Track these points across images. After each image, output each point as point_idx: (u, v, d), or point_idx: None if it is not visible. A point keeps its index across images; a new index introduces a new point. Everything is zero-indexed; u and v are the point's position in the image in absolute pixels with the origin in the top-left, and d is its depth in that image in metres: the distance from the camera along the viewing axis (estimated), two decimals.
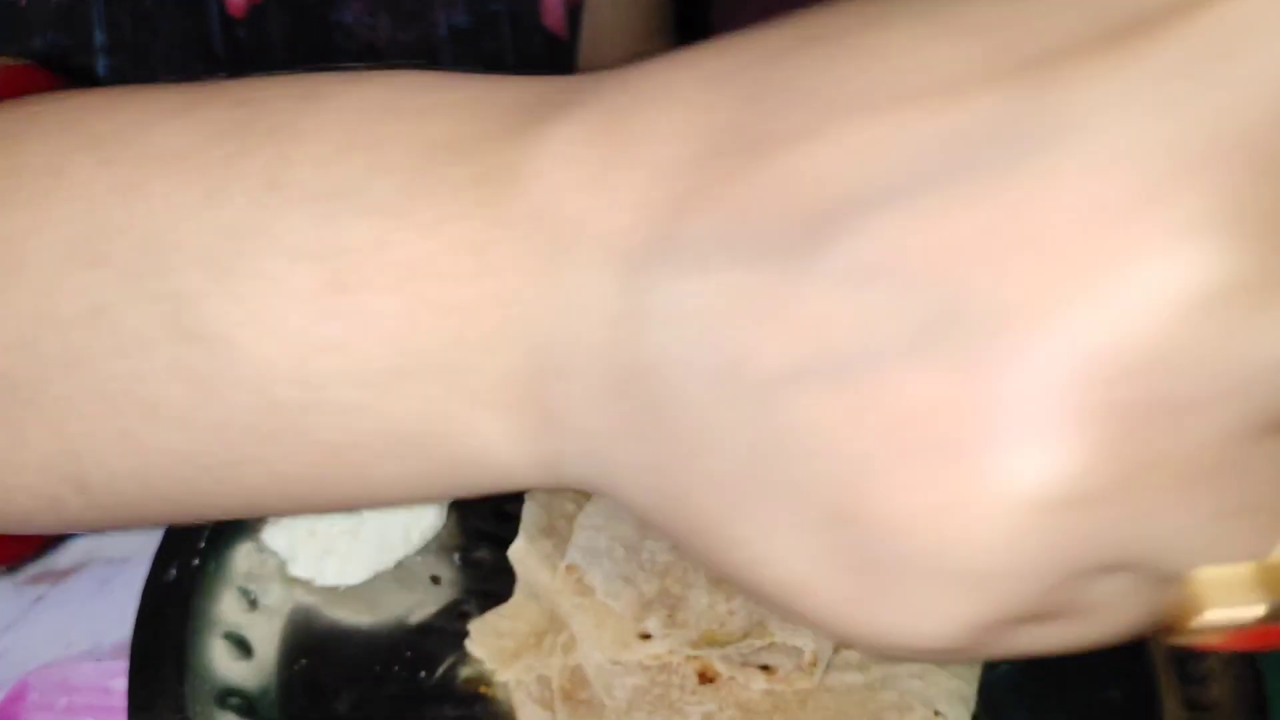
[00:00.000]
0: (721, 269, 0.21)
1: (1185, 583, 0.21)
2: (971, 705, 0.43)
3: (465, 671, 0.44)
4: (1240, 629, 0.22)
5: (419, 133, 0.24)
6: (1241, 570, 0.21)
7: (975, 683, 0.44)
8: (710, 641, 0.42)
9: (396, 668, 0.44)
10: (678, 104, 0.23)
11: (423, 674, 0.44)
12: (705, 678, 0.42)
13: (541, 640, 0.43)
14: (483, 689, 0.43)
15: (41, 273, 0.26)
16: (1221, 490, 0.20)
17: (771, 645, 0.41)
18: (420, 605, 0.45)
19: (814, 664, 0.41)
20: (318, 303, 0.24)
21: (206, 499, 0.28)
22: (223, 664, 0.43)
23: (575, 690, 0.42)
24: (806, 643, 0.41)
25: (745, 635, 0.42)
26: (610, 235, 0.22)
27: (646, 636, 0.42)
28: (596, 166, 0.23)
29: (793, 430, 0.21)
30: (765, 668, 0.42)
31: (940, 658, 0.24)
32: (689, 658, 0.42)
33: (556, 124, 0.24)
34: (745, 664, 0.42)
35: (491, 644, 0.43)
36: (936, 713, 0.42)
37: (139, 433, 0.26)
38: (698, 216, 0.21)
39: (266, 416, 0.25)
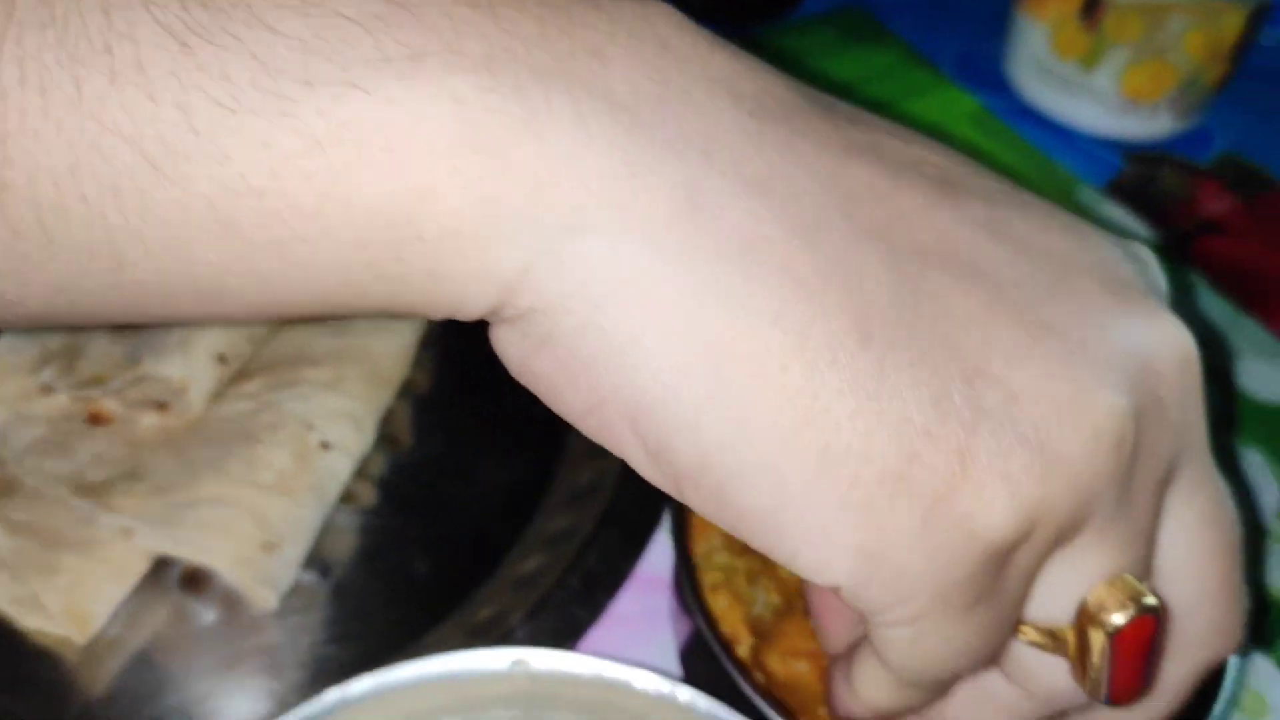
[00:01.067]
0: None
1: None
2: (367, 428, 0.45)
3: None
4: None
5: None
6: None
7: (375, 407, 0.45)
8: (96, 381, 0.44)
9: None
10: None
11: None
12: (98, 419, 0.44)
13: None
14: None
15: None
16: None
17: (144, 379, 0.43)
18: None
19: (184, 389, 0.43)
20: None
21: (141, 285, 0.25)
22: None
23: None
24: (174, 370, 0.43)
25: (121, 370, 0.44)
26: None
27: (48, 389, 0.44)
28: None
29: None
30: (161, 405, 0.44)
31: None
32: (77, 399, 0.44)
33: None
34: (138, 403, 0.44)
35: None
36: (311, 427, 0.43)
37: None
38: None
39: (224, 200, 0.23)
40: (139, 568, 0.41)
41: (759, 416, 0.25)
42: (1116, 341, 0.27)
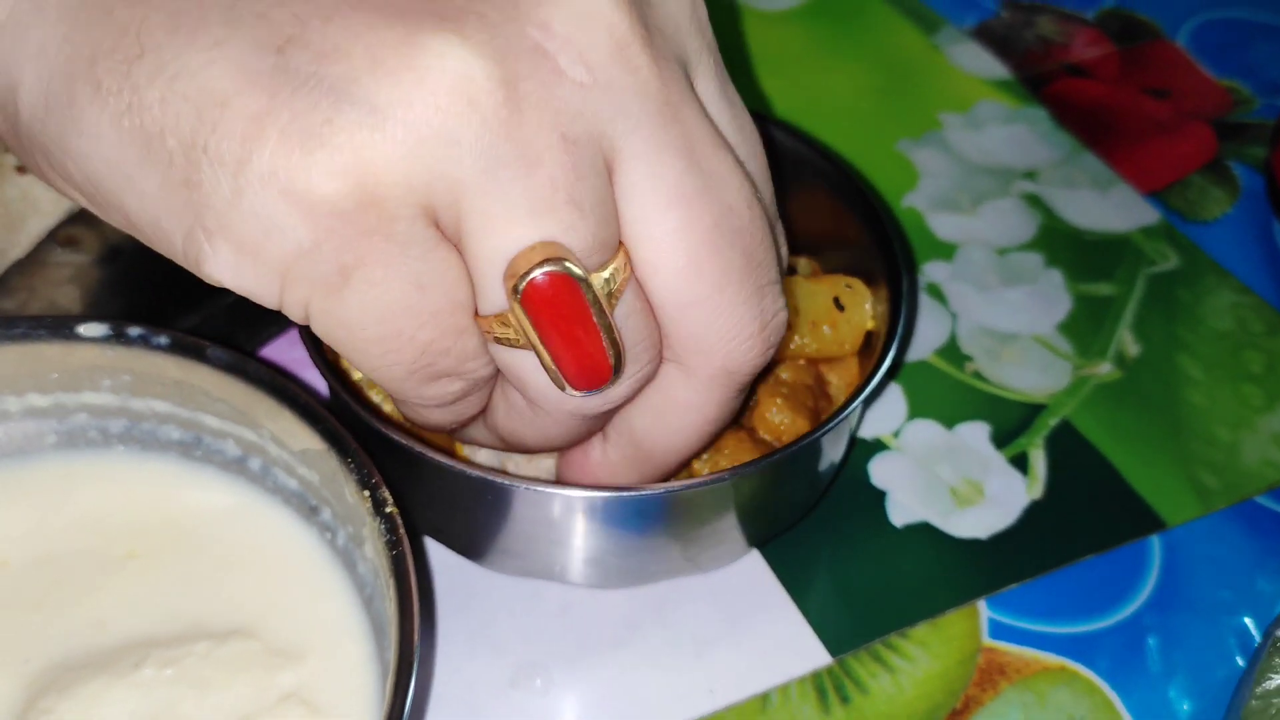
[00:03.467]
0: None
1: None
2: None
3: None
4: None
5: None
6: None
7: None
8: None
9: None
10: None
11: None
12: None
13: None
14: None
15: None
16: None
17: None
18: None
19: None
20: None
21: None
22: None
23: None
24: None
25: None
26: None
27: None
28: None
29: None
30: None
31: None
32: None
33: None
34: None
35: None
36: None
37: None
38: None
39: None
40: None
41: (94, 123, 0.25)
42: (485, 6, 0.25)
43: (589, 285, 0.26)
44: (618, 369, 0.27)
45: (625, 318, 0.27)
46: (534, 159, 0.25)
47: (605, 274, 0.26)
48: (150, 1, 0.25)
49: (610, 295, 0.26)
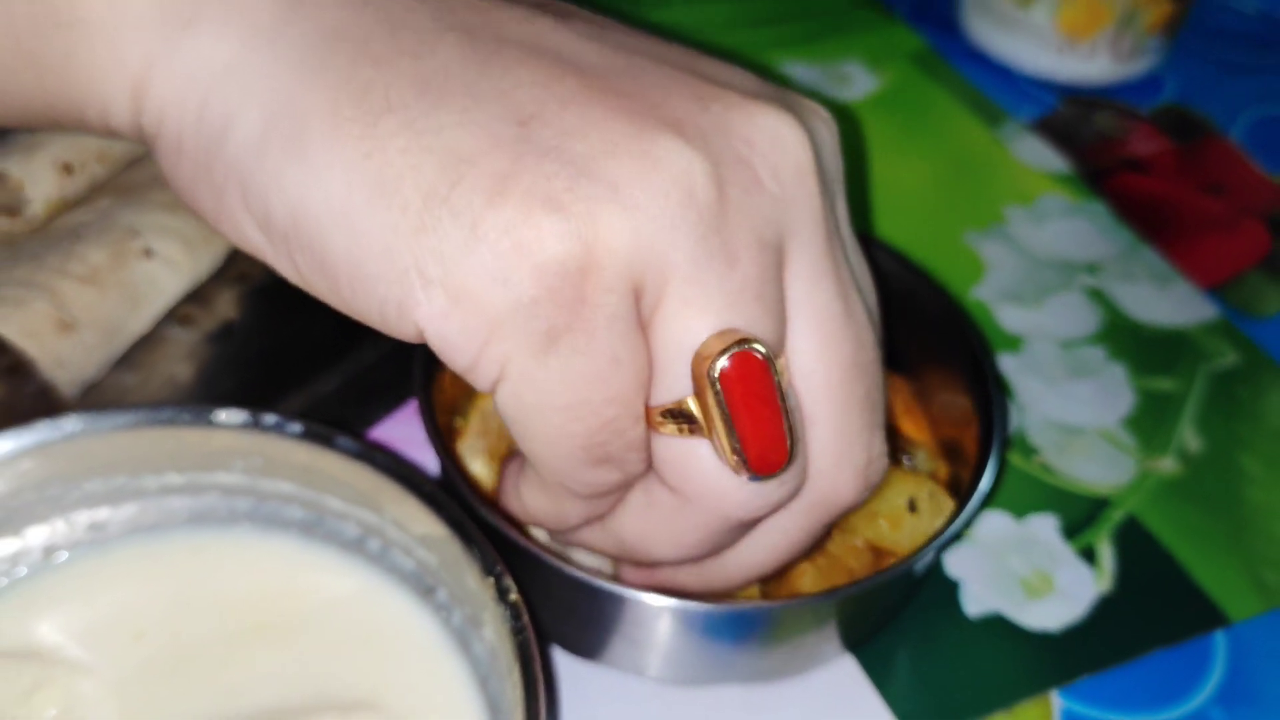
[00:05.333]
0: None
1: None
2: (200, 252, 0.47)
3: None
4: None
5: None
6: None
7: (212, 236, 0.47)
8: None
9: None
10: None
11: None
12: None
13: None
14: None
15: None
16: None
17: None
18: None
19: (20, 188, 0.46)
20: None
21: None
22: None
23: None
24: (13, 168, 0.46)
25: None
26: None
27: None
28: None
29: None
30: (10, 211, 0.47)
31: None
32: None
33: None
34: None
35: None
36: (137, 234, 0.45)
37: None
38: None
39: None
40: None
41: (326, 161, 0.26)
42: (700, 113, 0.28)
43: (775, 367, 0.28)
44: (793, 455, 0.29)
45: (789, 413, 0.29)
46: (734, 256, 0.27)
47: (780, 363, 0.28)
48: (397, 68, 0.27)
49: (781, 385, 0.28)
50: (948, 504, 0.38)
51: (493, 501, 0.38)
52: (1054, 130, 0.64)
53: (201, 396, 0.44)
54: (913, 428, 0.44)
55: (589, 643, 0.38)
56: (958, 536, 0.38)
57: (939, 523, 0.38)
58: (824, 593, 0.35)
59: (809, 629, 0.36)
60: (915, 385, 0.44)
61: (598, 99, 0.27)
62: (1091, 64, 0.66)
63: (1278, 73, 0.71)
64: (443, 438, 0.37)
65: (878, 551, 0.38)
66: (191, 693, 0.34)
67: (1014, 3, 0.65)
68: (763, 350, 0.27)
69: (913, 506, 0.38)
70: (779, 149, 0.28)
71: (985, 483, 0.37)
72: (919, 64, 0.68)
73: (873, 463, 0.31)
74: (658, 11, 0.69)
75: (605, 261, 0.26)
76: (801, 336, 0.29)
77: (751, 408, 0.28)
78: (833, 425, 0.29)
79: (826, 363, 0.29)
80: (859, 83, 0.66)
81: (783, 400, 0.28)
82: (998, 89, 0.67)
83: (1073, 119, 0.65)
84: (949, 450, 0.42)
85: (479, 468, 0.41)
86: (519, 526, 0.36)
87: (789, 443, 0.29)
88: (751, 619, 0.35)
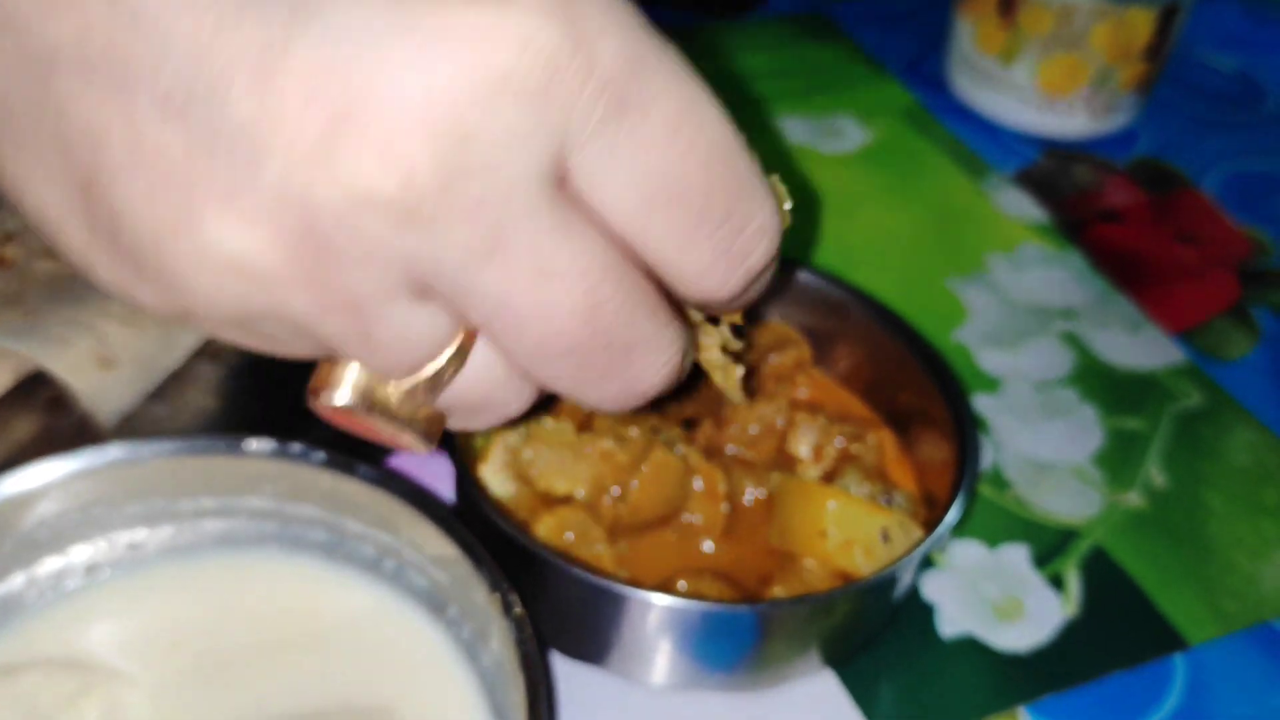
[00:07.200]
0: None
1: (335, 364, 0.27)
2: None
3: None
4: (340, 412, 0.27)
5: None
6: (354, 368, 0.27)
7: None
8: (7, 238, 0.50)
9: None
10: None
11: None
12: (1, 263, 0.50)
13: None
14: None
15: None
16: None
17: None
18: None
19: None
20: None
21: None
22: None
23: None
24: None
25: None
26: None
27: None
28: None
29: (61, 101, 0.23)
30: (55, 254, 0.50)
31: (213, 329, 0.26)
32: None
33: None
34: (38, 251, 0.50)
35: None
36: None
37: None
38: None
39: None
40: (3, 380, 0.47)
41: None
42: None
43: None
44: None
45: None
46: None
47: None
48: None
49: None
50: (919, 534, 0.41)
51: (507, 512, 0.41)
52: (1034, 182, 0.68)
53: (228, 425, 0.47)
54: (900, 477, 0.47)
55: (589, 647, 0.41)
56: (928, 558, 0.41)
57: (912, 556, 0.41)
58: (803, 596, 0.39)
59: (795, 633, 0.39)
60: (903, 438, 0.48)
61: None
62: (1070, 119, 0.69)
63: (1249, 129, 0.74)
64: (465, 463, 0.41)
65: (850, 580, 0.42)
66: (223, 699, 0.37)
67: (997, 62, 0.69)
68: None
69: (886, 536, 0.41)
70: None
71: (954, 512, 0.40)
72: (908, 119, 0.72)
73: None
74: None
75: None
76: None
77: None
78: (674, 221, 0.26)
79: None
80: (851, 136, 0.70)
81: None
82: (982, 142, 0.70)
83: (1052, 171, 0.69)
84: (929, 500, 0.45)
85: (498, 486, 0.44)
86: (527, 531, 0.39)
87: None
88: (741, 620, 0.38)
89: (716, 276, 0.27)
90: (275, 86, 0.22)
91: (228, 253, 0.23)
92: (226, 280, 0.24)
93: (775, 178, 0.29)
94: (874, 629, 0.43)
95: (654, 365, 0.27)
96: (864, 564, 0.41)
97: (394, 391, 0.27)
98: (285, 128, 0.22)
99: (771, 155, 0.68)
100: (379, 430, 0.28)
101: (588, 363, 0.26)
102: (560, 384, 0.27)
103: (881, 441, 0.47)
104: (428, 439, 0.29)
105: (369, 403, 0.27)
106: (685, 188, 0.25)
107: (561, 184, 0.24)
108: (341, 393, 0.27)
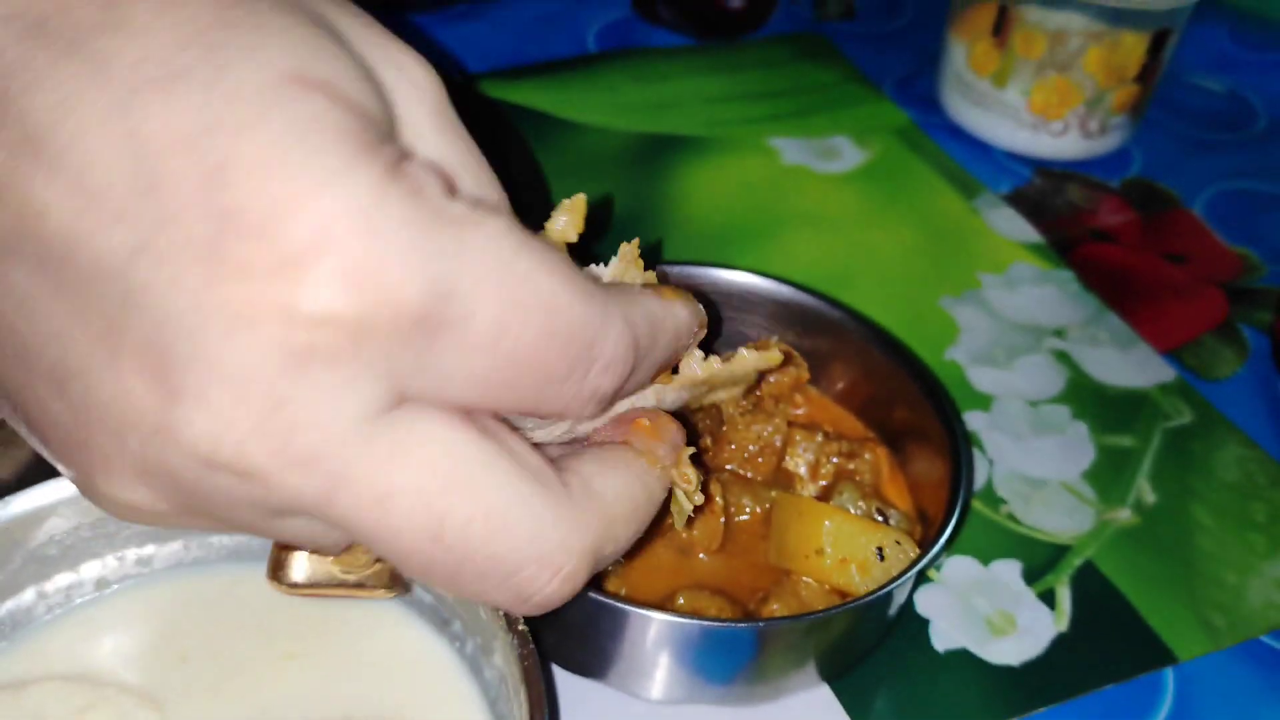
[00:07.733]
0: None
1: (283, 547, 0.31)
2: None
3: None
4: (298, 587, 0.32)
5: None
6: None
7: None
8: None
9: None
10: None
11: None
12: None
13: None
14: None
15: None
16: None
17: None
18: None
19: None
20: None
21: None
22: None
23: None
24: None
25: None
26: None
27: None
28: None
29: None
30: None
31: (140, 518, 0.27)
32: None
33: None
34: None
35: None
36: None
37: None
38: None
39: None
40: None
41: None
42: None
43: None
44: None
45: None
46: None
47: None
48: None
49: None
50: (914, 552, 0.42)
51: None
52: (1027, 202, 0.69)
53: None
54: (895, 494, 0.48)
55: (590, 661, 0.42)
56: (923, 572, 0.42)
57: (909, 574, 0.42)
58: (802, 614, 0.39)
59: (792, 649, 0.40)
60: (897, 455, 0.49)
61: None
62: (1063, 141, 0.70)
63: (1239, 149, 0.76)
64: None
65: (846, 596, 0.42)
66: (230, 711, 0.38)
67: (990, 83, 0.70)
68: None
69: (881, 555, 0.42)
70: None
71: (948, 529, 0.41)
72: (903, 139, 0.73)
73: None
74: (654, 87, 0.74)
75: None
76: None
77: None
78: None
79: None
80: (847, 156, 0.71)
81: None
82: (975, 163, 0.71)
83: (1045, 191, 0.70)
84: (923, 516, 0.46)
85: None
86: None
87: None
88: (741, 637, 0.39)
89: (576, 412, 0.27)
90: (122, 368, 0.23)
91: (125, 502, 0.26)
92: (142, 516, 0.26)
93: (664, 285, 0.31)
94: (869, 644, 0.44)
95: (536, 579, 0.27)
96: (860, 581, 0.42)
97: (338, 564, 0.31)
98: (134, 403, 0.24)
99: (768, 176, 0.69)
100: (342, 593, 0.32)
101: (459, 576, 0.26)
102: (453, 593, 0.30)
103: (877, 459, 0.48)
104: (391, 588, 0.32)
105: (319, 577, 0.31)
106: (523, 369, 0.25)
107: (400, 401, 0.25)
108: (295, 572, 0.31)
